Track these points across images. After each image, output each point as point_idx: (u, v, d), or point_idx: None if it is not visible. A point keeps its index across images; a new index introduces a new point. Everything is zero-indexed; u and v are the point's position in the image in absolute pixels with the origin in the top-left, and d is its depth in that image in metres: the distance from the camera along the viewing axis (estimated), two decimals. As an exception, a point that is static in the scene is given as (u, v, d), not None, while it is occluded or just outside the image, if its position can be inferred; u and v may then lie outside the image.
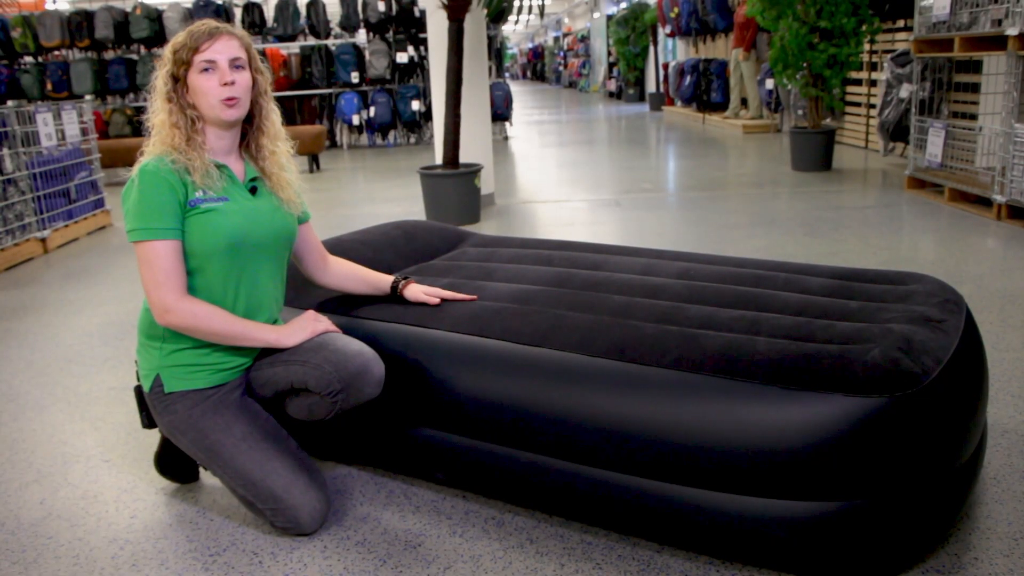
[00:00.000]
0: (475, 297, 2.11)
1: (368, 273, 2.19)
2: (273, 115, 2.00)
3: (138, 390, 2.01)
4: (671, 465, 1.65)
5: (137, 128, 10.54)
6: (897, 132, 6.88)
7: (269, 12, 11.00)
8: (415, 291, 2.13)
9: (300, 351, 1.89)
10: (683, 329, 1.82)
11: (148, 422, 2.04)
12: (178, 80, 1.86)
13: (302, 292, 2.26)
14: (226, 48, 1.85)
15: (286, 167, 2.01)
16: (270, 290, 1.99)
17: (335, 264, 2.17)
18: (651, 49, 17.01)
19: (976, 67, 5.91)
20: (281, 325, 1.97)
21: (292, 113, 11.02)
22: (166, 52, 1.87)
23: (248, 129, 1.98)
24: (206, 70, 1.83)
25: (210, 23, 1.87)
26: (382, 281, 2.17)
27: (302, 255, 2.12)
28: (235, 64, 1.86)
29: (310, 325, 1.95)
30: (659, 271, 2.29)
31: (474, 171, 5.35)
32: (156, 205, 1.79)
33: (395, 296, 2.15)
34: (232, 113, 1.86)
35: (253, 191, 1.95)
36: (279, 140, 2.00)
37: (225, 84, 1.83)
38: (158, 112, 1.88)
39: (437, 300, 2.10)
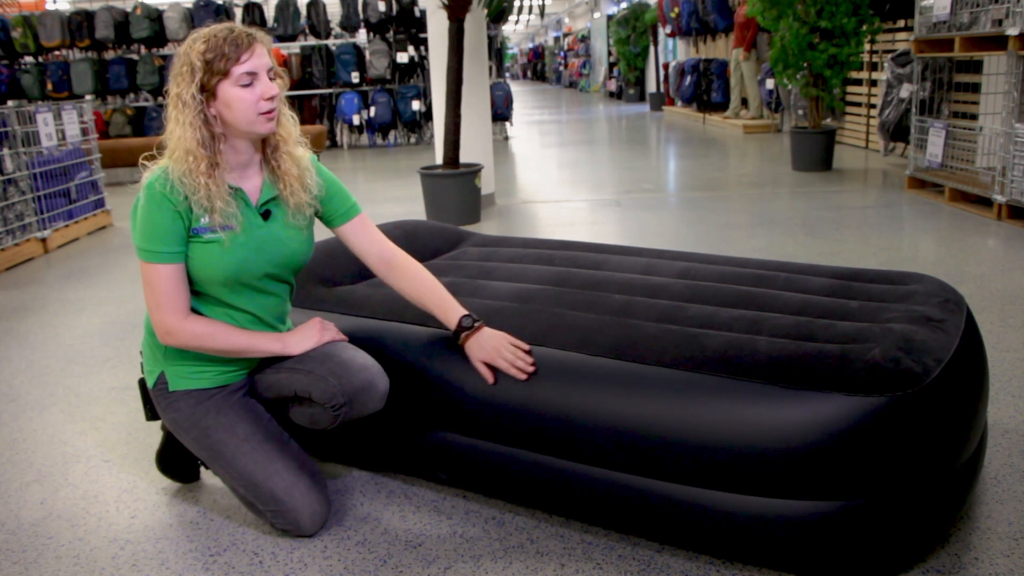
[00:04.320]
0: (531, 372, 1.80)
1: (435, 300, 1.90)
2: (286, 120, 1.89)
3: (142, 383, 2.01)
4: (671, 464, 1.64)
5: (137, 128, 10.54)
6: (897, 132, 6.88)
7: (269, 12, 10.99)
8: (475, 355, 1.83)
9: (306, 360, 1.87)
10: (684, 328, 1.82)
11: (151, 415, 2.04)
12: (206, 90, 1.73)
13: (302, 291, 2.26)
14: (262, 57, 1.75)
15: (306, 171, 1.90)
16: (276, 308, 1.95)
17: (402, 273, 1.94)
18: (651, 49, 17.00)
19: (976, 67, 5.91)
20: (287, 332, 1.93)
21: (292, 113, 11.01)
22: (193, 60, 1.71)
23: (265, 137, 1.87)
24: (247, 84, 1.72)
25: (242, 28, 1.75)
26: (447, 317, 1.89)
27: (362, 257, 1.98)
28: (270, 75, 1.77)
29: (316, 333, 1.91)
30: (660, 271, 2.29)
31: (474, 171, 5.35)
32: (159, 229, 1.74)
33: (457, 343, 1.89)
34: (271, 126, 1.77)
35: (266, 215, 1.86)
36: (296, 144, 1.90)
37: (268, 98, 1.74)
38: (184, 126, 1.72)
39: (491, 378, 1.82)
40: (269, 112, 1.76)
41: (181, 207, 1.75)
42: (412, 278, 1.94)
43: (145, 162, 1.81)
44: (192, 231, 1.77)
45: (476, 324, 1.87)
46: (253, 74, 1.73)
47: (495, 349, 1.82)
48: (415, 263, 1.97)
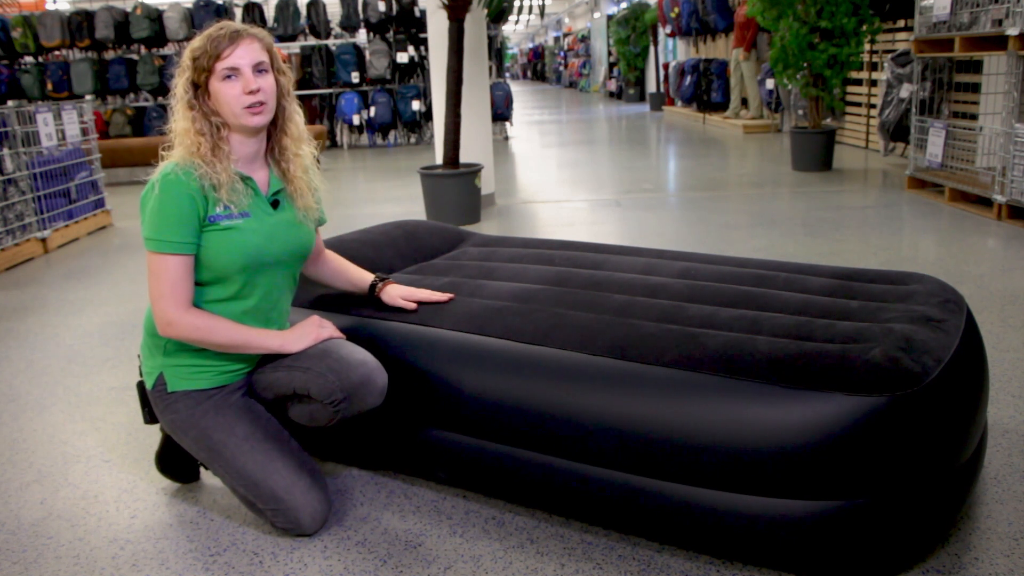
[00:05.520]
0: (451, 296, 2.09)
1: (352, 271, 2.16)
2: (296, 116, 1.94)
3: (140, 386, 2.01)
4: (671, 464, 1.64)
5: (137, 128, 10.54)
6: (897, 132, 6.88)
7: (269, 12, 10.99)
8: (392, 295, 2.09)
9: (303, 357, 1.88)
10: (683, 328, 1.82)
11: (150, 418, 2.04)
12: (199, 87, 1.81)
13: (302, 290, 2.26)
14: (248, 53, 1.79)
15: (309, 169, 1.98)
16: (280, 302, 1.98)
17: (325, 260, 2.15)
18: (651, 49, 17.00)
19: (976, 67, 5.91)
20: (285, 331, 1.94)
21: (292, 113, 11.00)
22: (185, 58, 1.81)
23: (272, 132, 1.92)
24: (229, 77, 1.77)
25: (231, 25, 1.81)
26: (363, 280, 2.14)
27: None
28: (259, 69, 1.80)
29: (314, 331, 1.92)
30: (660, 270, 2.29)
31: (474, 171, 5.35)
32: (173, 217, 1.76)
33: (373, 297, 2.12)
34: (258, 120, 1.81)
35: (275, 204, 1.92)
36: (302, 143, 1.95)
37: (250, 92, 1.78)
38: (180, 120, 1.82)
39: (414, 305, 2.07)
40: (253, 107, 1.80)
41: (196, 192, 1.78)
42: (334, 263, 2.16)
43: (163, 152, 1.87)
44: (209, 219, 1.81)
45: (388, 279, 2.14)
46: (234, 69, 1.78)
47: (411, 290, 2.10)
48: (337, 256, 2.20)
